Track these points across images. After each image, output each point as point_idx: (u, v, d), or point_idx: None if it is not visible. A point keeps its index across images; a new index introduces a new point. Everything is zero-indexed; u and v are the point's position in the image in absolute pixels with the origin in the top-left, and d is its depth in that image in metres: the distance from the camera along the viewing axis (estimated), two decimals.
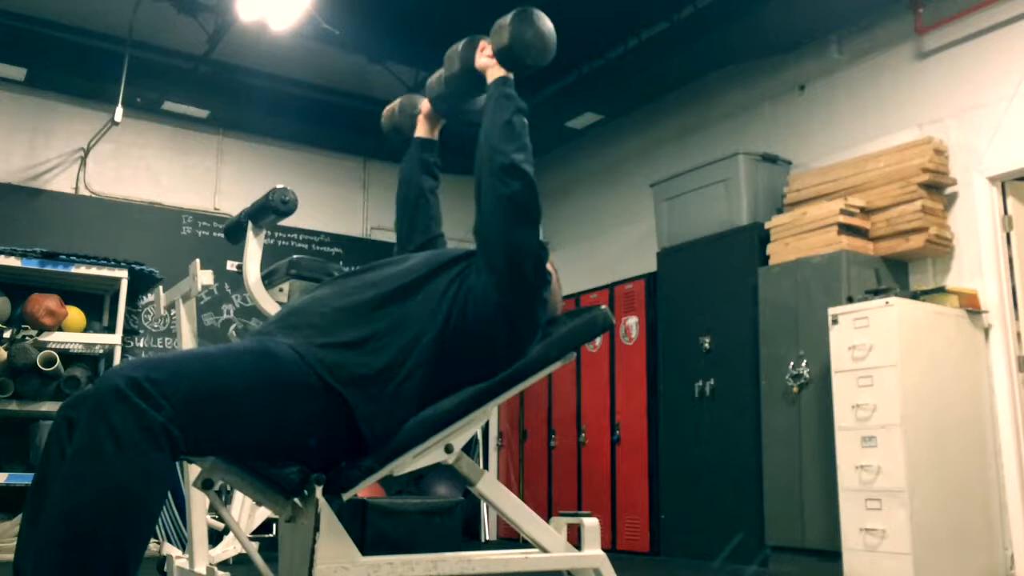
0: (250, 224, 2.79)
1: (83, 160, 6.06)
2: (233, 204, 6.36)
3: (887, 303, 4.00)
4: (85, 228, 5.90)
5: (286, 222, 3.79)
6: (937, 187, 4.50)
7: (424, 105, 2.37)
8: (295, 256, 3.26)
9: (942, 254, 4.50)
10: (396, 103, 2.43)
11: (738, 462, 4.76)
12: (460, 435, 1.90)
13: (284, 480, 1.74)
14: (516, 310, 1.87)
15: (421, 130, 2.37)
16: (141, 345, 6.01)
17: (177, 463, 1.57)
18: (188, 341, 2.98)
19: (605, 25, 5.48)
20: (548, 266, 2.07)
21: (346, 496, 1.75)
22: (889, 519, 3.79)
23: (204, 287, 2.93)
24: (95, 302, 5.22)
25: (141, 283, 5.12)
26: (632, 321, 5.72)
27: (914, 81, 4.80)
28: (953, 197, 4.52)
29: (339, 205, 7.00)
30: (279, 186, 2.70)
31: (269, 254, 4.85)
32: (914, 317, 4.06)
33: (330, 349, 1.73)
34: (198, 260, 2.95)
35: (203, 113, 6.37)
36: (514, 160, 1.87)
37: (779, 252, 4.76)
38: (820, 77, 5.31)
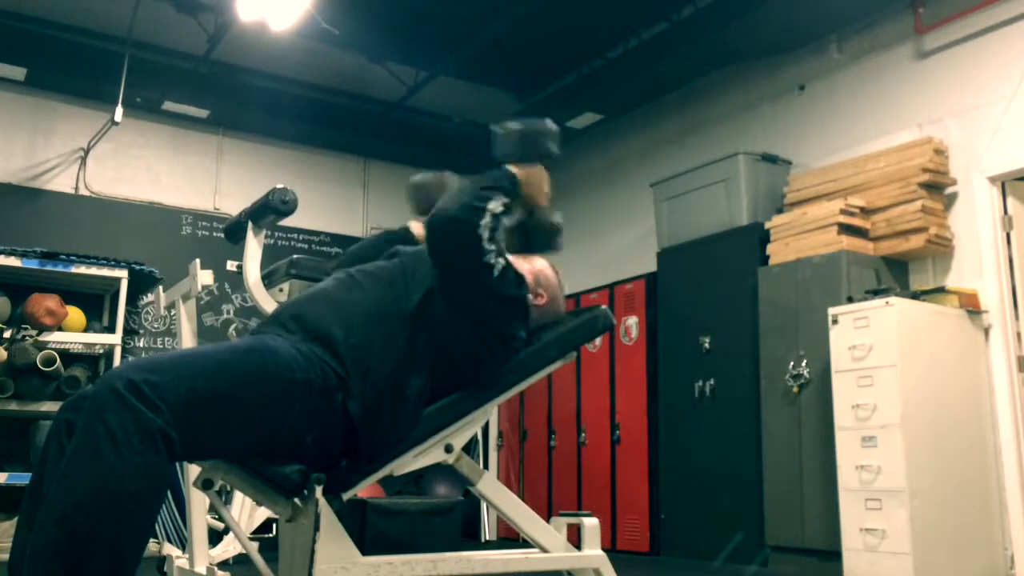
0: (250, 224, 2.79)
1: (83, 160, 6.06)
2: (233, 204, 6.36)
3: (887, 303, 4.00)
4: (85, 228, 5.90)
5: (286, 222, 3.78)
6: (937, 187, 4.49)
7: None
8: (295, 256, 3.26)
9: (942, 254, 4.49)
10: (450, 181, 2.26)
11: (738, 462, 4.75)
12: (460, 435, 1.90)
13: (284, 480, 1.74)
14: (477, 326, 1.86)
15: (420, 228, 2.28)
16: (141, 345, 6.01)
17: (176, 463, 1.57)
18: (188, 341, 2.98)
19: (605, 25, 5.48)
20: (545, 274, 2.06)
21: (346, 496, 1.76)
22: (889, 519, 3.79)
23: (204, 287, 2.94)
24: (95, 302, 5.21)
25: (141, 283, 5.11)
26: (632, 321, 5.71)
27: (914, 81, 4.80)
28: (953, 197, 4.51)
29: (339, 205, 7.00)
30: (279, 186, 2.69)
31: (269, 254, 4.84)
32: (914, 317, 4.06)
33: (329, 347, 1.73)
34: (198, 260, 2.95)
35: (203, 113, 6.37)
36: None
37: (779, 252, 4.75)
38: (820, 77, 5.31)
